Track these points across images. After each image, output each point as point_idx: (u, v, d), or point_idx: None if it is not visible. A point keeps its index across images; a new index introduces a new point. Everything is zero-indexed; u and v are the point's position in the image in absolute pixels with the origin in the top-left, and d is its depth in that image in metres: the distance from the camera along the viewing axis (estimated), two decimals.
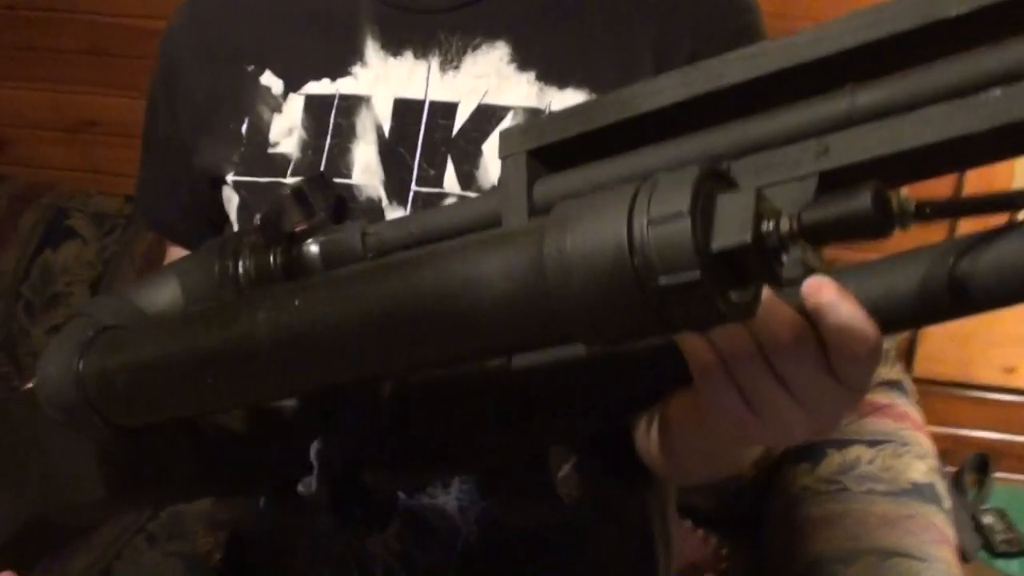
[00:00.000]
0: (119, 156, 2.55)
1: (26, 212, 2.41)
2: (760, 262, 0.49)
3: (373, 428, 0.71)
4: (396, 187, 0.90)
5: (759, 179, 0.58)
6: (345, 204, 0.83)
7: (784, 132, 0.59)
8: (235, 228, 0.99)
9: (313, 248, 0.74)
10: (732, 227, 0.48)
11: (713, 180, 0.50)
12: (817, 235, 0.49)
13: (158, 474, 0.73)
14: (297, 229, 0.73)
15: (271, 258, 0.74)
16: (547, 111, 0.89)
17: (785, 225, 0.48)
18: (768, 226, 0.48)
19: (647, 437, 0.78)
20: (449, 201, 0.89)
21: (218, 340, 0.62)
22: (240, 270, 0.76)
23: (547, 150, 0.66)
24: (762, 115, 0.60)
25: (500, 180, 0.67)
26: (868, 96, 0.57)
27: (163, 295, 0.77)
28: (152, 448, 0.70)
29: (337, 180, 0.92)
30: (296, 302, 0.59)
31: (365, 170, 0.91)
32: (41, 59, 2.63)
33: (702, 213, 0.48)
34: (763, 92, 0.61)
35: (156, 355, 0.65)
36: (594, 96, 0.88)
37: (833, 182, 0.57)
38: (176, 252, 1.09)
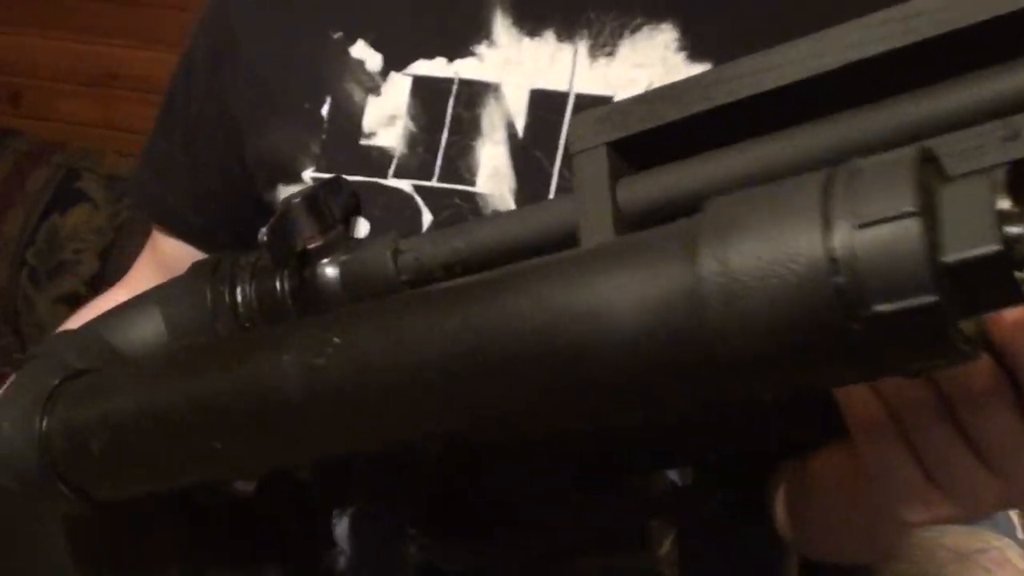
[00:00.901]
0: (140, 113, 2.25)
1: (35, 171, 2.22)
2: (1002, 278, 0.36)
3: (421, 493, 0.57)
4: (530, 198, 0.73)
5: None
6: (359, 208, 0.70)
7: (956, 112, 0.47)
8: None
9: (330, 270, 0.60)
10: (970, 231, 0.35)
11: (931, 166, 0.37)
12: None
13: (140, 556, 0.58)
14: (310, 246, 0.59)
15: (277, 282, 0.61)
16: None
17: None
18: (1015, 229, 0.36)
19: (781, 504, 0.65)
20: None
21: (229, 390, 0.48)
22: (239, 297, 0.62)
23: (632, 141, 0.53)
24: (919, 93, 0.48)
25: (575, 181, 0.54)
26: None
27: (142, 329, 0.63)
28: (134, 524, 0.56)
29: (456, 187, 0.74)
30: (335, 340, 0.45)
31: (493, 175, 0.73)
32: (60, 5, 2.43)
33: (928, 212, 0.35)
34: (914, 64, 0.48)
35: (144, 409, 0.51)
36: None
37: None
38: (169, 248, 0.91)
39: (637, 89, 0.70)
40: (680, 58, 0.71)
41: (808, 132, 0.50)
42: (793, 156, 0.50)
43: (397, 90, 0.76)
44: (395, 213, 0.73)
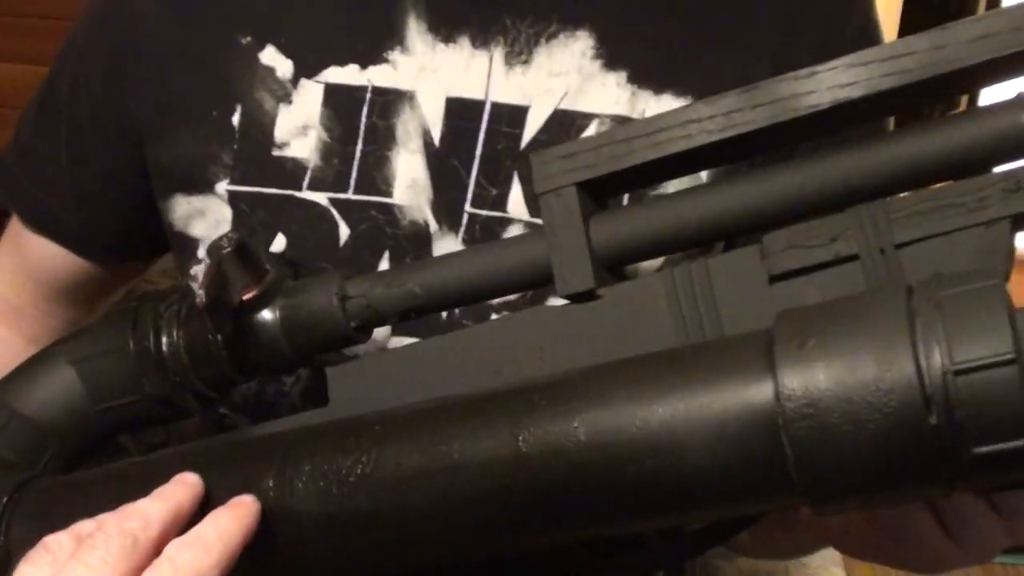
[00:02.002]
0: None
1: None
2: None
3: None
4: (447, 208, 0.70)
5: (932, 224, 0.45)
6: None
7: (951, 159, 0.46)
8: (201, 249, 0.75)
9: (268, 317, 0.55)
10: None
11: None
12: None
13: None
14: (245, 297, 0.55)
15: (209, 333, 0.56)
16: None
17: None
18: None
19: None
20: (513, 230, 0.69)
21: None
22: (165, 350, 0.57)
23: (600, 180, 0.51)
24: (909, 135, 0.47)
25: (544, 220, 0.51)
26: None
27: (56, 392, 0.58)
28: None
29: (372, 199, 0.70)
30: (358, 470, 0.42)
31: (410, 186, 0.70)
32: None
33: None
34: (902, 104, 0.48)
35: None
36: None
37: None
38: (39, 251, 0.83)
39: (553, 98, 0.69)
40: (596, 66, 0.69)
41: (781, 173, 0.49)
42: (765, 196, 0.49)
43: (309, 98, 0.71)
44: (311, 227, 0.70)
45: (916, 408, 0.35)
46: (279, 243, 0.70)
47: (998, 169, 0.46)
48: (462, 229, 0.69)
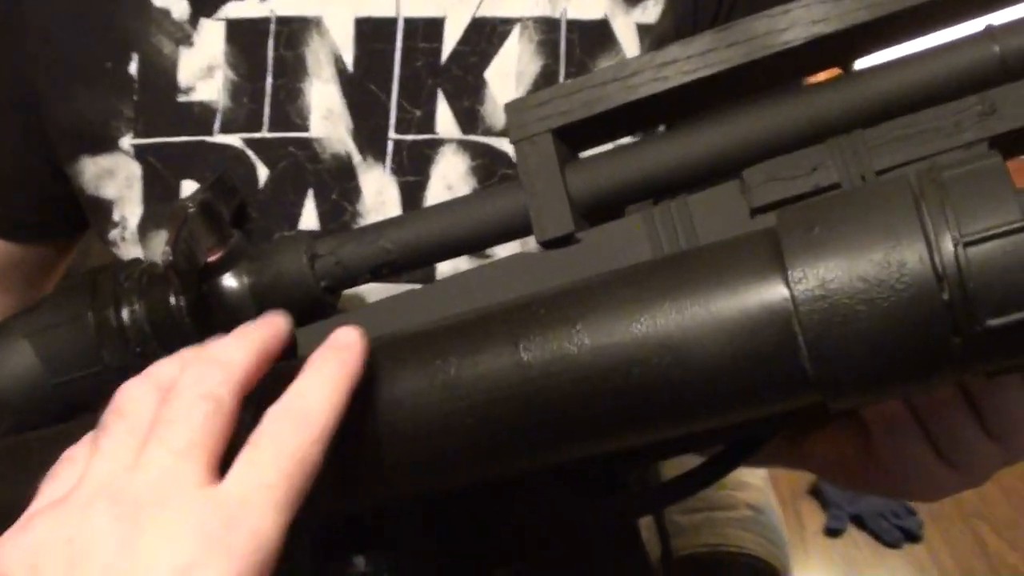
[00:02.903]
0: None
1: None
2: None
3: (411, 542, 0.53)
4: (369, 137, 0.67)
5: (911, 150, 0.45)
6: (246, 211, 0.63)
7: (924, 90, 0.47)
8: (126, 213, 0.70)
9: (233, 282, 0.54)
10: None
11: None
12: None
13: None
14: (211, 259, 0.53)
15: (172, 299, 0.54)
16: (563, 20, 0.67)
17: None
18: None
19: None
20: (446, 151, 0.67)
21: None
22: (126, 320, 0.55)
23: (574, 127, 0.51)
24: (882, 70, 0.48)
25: (520, 169, 0.50)
26: (1018, 40, 0.46)
27: (10, 366, 0.55)
28: None
29: (288, 134, 0.67)
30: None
31: (326, 117, 0.67)
32: None
33: None
34: (880, 36, 0.48)
35: None
36: (617, 6, 0.67)
37: (1002, 147, 0.45)
38: None
39: (469, 5, 0.67)
40: None
41: (760, 110, 0.49)
42: (754, 135, 0.49)
43: (210, 38, 0.68)
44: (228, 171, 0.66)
45: (928, 282, 0.35)
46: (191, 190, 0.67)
47: None
48: (388, 157, 0.67)
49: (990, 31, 0.46)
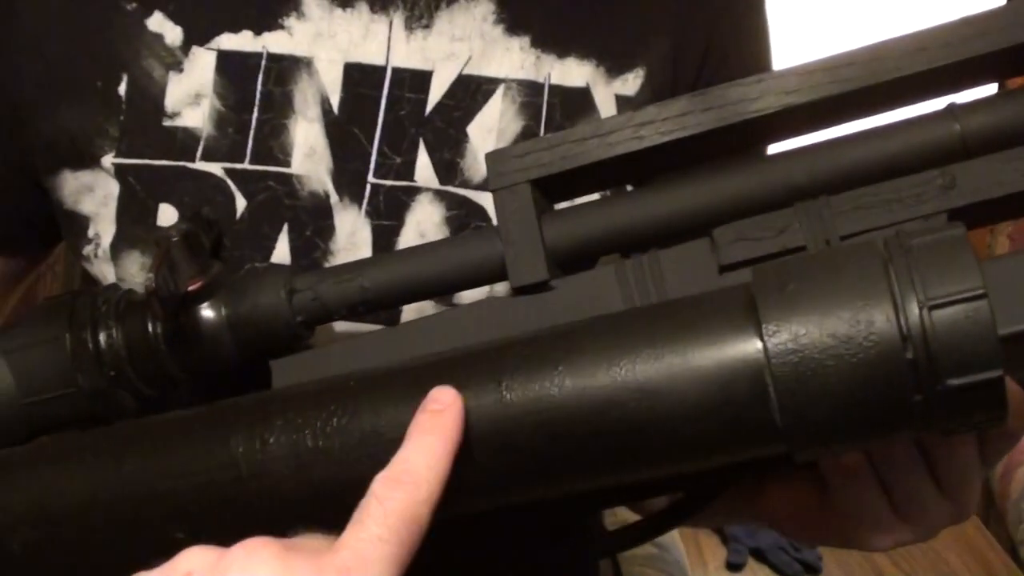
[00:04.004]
0: None
1: None
2: None
3: None
4: (348, 178, 0.68)
5: (874, 218, 0.48)
6: (222, 242, 0.64)
7: (888, 162, 0.49)
8: (100, 230, 0.71)
9: (211, 312, 0.55)
10: (1022, 305, 0.38)
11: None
12: None
13: None
14: (191, 288, 0.54)
15: (150, 326, 0.55)
16: (546, 85, 0.70)
17: None
18: None
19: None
20: (422, 200, 0.69)
21: (193, 473, 0.43)
22: (103, 344, 0.56)
23: (552, 178, 0.52)
24: (850, 141, 0.50)
25: (498, 217, 0.52)
26: (977, 119, 0.49)
27: None
28: None
29: (269, 168, 0.68)
30: (333, 421, 0.42)
31: (308, 155, 0.68)
32: None
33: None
34: (847, 110, 0.50)
35: (86, 500, 0.45)
36: (601, 69, 0.71)
37: (960, 220, 0.48)
38: None
39: (457, 63, 0.69)
40: (499, 31, 0.70)
41: (731, 174, 0.51)
42: (720, 197, 0.51)
43: (201, 66, 0.70)
44: (206, 199, 0.68)
45: (894, 341, 0.37)
46: (170, 215, 0.68)
47: None
48: (365, 200, 0.69)
49: (952, 109, 0.49)
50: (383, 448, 0.42)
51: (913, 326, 0.37)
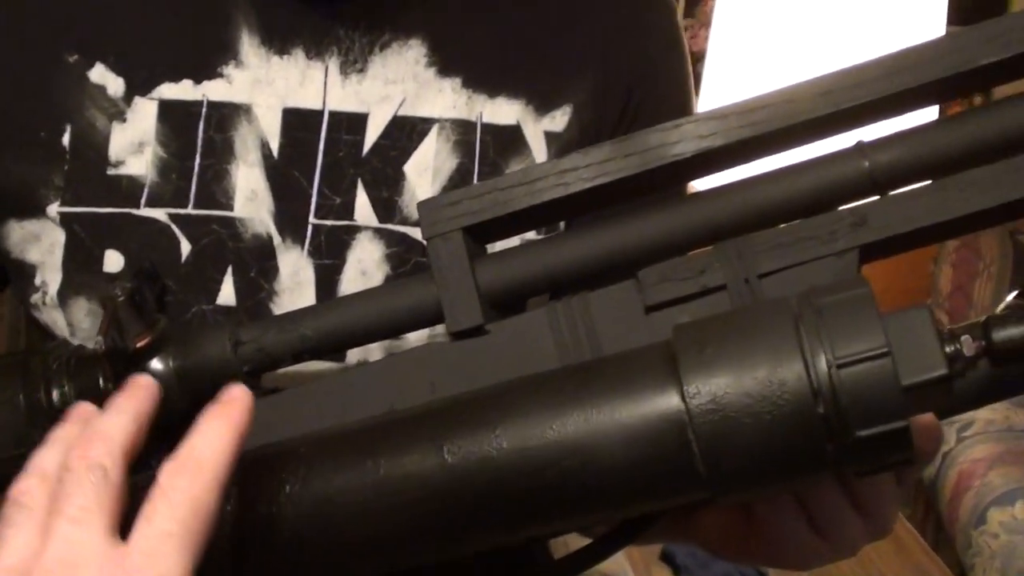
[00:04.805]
0: None
1: None
2: (942, 392, 0.41)
3: None
4: (290, 220, 0.71)
5: (791, 256, 0.50)
6: (166, 293, 0.66)
7: (802, 199, 0.51)
8: (47, 278, 0.73)
9: (159, 366, 0.57)
10: (921, 357, 0.41)
11: None
12: (1007, 355, 0.42)
13: None
14: (139, 345, 0.56)
15: (101, 382, 0.57)
16: (478, 123, 0.73)
17: (970, 347, 0.41)
18: (952, 348, 0.41)
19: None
20: (362, 239, 0.71)
21: None
22: (56, 401, 0.57)
23: (483, 225, 0.54)
24: (765, 180, 0.52)
25: (432, 264, 0.54)
26: (886, 156, 0.51)
27: None
28: None
29: (213, 212, 0.71)
30: (286, 488, 0.44)
31: (250, 199, 0.71)
32: None
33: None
34: (763, 150, 0.53)
35: None
36: (530, 107, 0.74)
37: (871, 253, 0.50)
38: None
39: (391, 105, 0.72)
40: (431, 73, 0.73)
41: (654, 217, 0.53)
42: (645, 238, 0.53)
43: (143, 115, 0.72)
44: (151, 245, 0.70)
45: (806, 399, 0.40)
46: (116, 262, 0.70)
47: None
48: (307, 241, 0.71)
49: (860, 147, 0.51)
50: (331, 512, 0.45)
51: (823, 383, 0.40)
